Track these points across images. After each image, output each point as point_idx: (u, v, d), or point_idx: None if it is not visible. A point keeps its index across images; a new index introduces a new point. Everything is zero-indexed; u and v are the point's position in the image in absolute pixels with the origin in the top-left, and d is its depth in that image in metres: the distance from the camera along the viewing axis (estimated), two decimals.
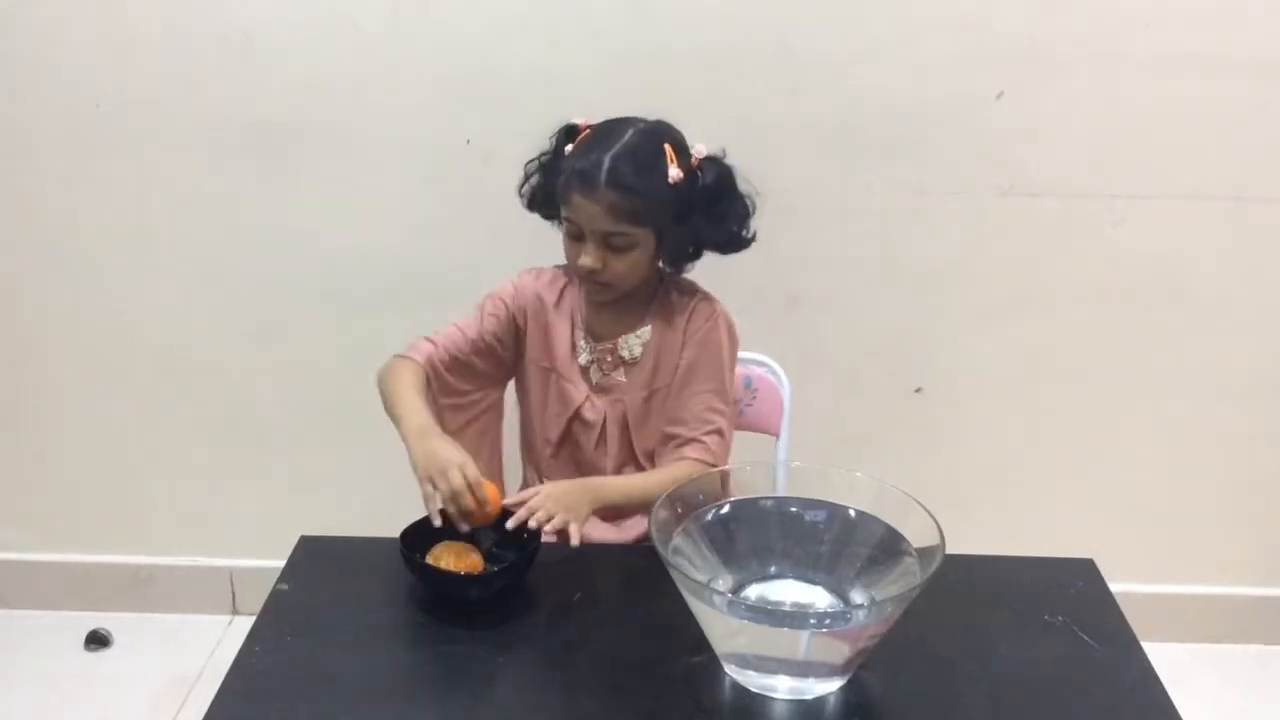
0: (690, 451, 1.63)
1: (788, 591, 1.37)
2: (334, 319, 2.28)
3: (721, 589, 1.33)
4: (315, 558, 1.56)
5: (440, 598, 1.45)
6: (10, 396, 2.38)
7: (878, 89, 2.07)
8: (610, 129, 1.59)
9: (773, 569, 1.39)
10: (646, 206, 1.54)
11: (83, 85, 2.11)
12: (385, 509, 2.34)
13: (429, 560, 1.45)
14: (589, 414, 1.68)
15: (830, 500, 1.42)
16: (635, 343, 1.67)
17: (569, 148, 1.61)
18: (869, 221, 2.16)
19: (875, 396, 2.32)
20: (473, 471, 1.44)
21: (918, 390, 2.31)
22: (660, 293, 1.69)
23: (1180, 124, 2.09)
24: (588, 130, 1.61)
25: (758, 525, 1.42)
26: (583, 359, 1.68)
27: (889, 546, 1.35)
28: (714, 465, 1.60)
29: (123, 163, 2.17)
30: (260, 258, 2.24)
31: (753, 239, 1.65)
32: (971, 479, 2.37)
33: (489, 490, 1.46)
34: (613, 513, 1.70)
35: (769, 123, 2.07)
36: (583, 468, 1.71)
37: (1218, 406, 2.30)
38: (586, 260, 1.57)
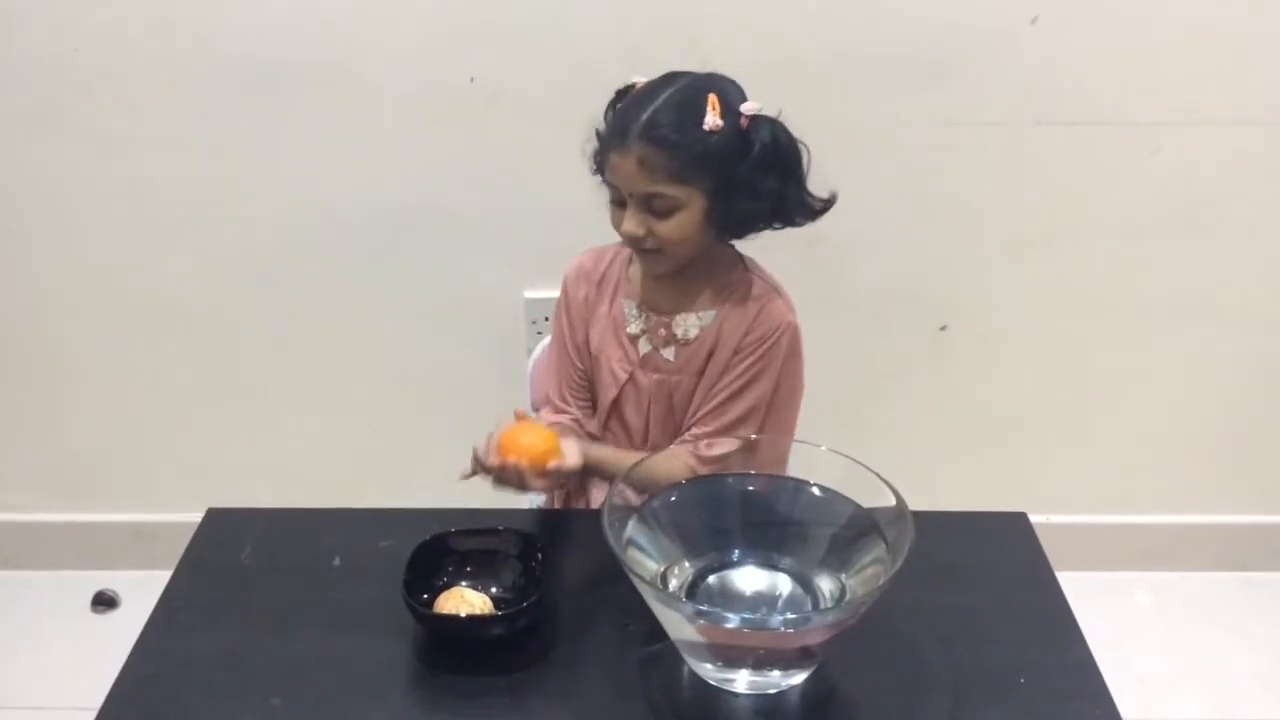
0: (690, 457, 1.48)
1: (750, 580, 1.29)
2: (332, 268, 2.20)
3: (679, 578, 1.26)
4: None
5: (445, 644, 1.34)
6: (5, 357, 2.31)
7: (905, 14, 1.96)
8: (658, 84, 1.45)
9: (735, 554, 1.31)
10: (683, 163, 1.40)
11: (57, 27, 2.00)
12: (386, 456, 2.33)
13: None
14: (628, 390, 1.60)
15: (795, 476, 1.34)
16: (694, 324, 1.55)
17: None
18: (896, 154, 2.07)
19: (899, 335, 2.26)
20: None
21: (942, 328, 2.24)
22: (735, 281, 1.56)
23: (1218, 47, 2.00)
24: (640, 87, 1.48)
25: (719, 507, 1.34)
26: (633, 328, 1.58)
27: (857, 527, 1.27)
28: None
29: (105, 108, 2.06)
30: (254, 205, 2.15)
31: (823, 209, 1.51)
32: (999, 417, 2.32)
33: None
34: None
35: (792, 51, 1.97)
36: (633, 439, 1.63)
37: (1258, 338, 2.24)
38: (629, 226, 1.45)
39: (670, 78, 1.46)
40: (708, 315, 1.55)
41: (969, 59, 1.99)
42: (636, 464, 1.33)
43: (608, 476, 1.52)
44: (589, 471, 1.53)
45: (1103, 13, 1.96)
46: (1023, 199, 2.13)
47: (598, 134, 1.51)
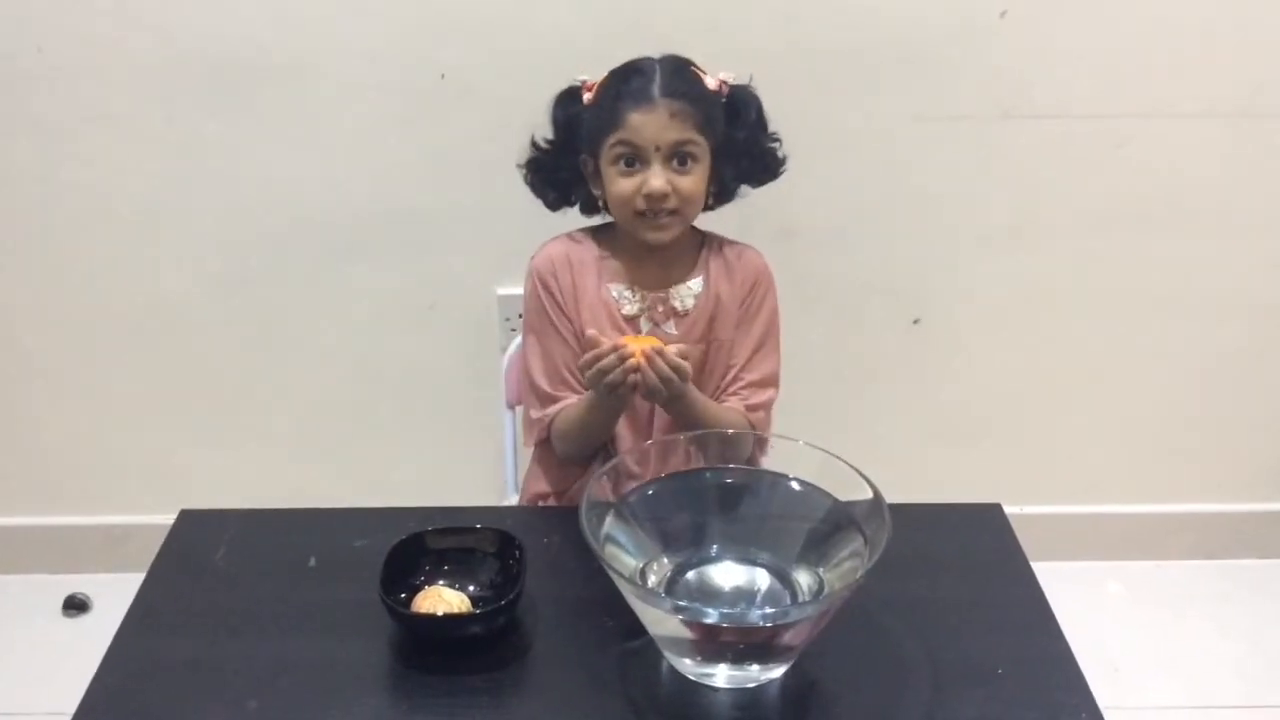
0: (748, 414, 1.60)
1: (728, 575, 1.30)
2: (303, 267, 2.18)
3: (657, 574, 1.26)
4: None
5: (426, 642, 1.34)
6: None
7: (874, 8, 1.97)
8: (631, 64, 1.54)
9: (714, 549, 1.31)
10: (704, 114, 1.51)
11: (20, 26, 1.97)
12: (361, 455, 2.32)
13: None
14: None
15: (772, 471, 1.35)
16: (687, 294, 1.60)
17: (587, 96, 1.55)
18: (866, 149, 2.08)
19: (873, 329, 2.26)
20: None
21: (915, 321, 2.25)
22: (706, 245, 1.64)
23: (1186, 40, 2.01)
24: (604, 76, 1.55)
25: (696, 502, 1.35)
26: (629, 309, 1.60)
27: (834, 521, 1.28)
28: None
29: (70, 109, 2.04)
30: (223, 205, 2.13)
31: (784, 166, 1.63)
32: (972, 409, 2.33)
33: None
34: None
35: (762, 47, 1.96)
36: (638, 421, 1.63)
37: (1229, 328, 2.26)
38: (657, 182, 1.48)
39: (638, 59, 1.54)
40: (697, 282, 1.61)
41: (938, 52, 2.00)
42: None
43: (682, 410, 1.52)
44: (674, 398, 1.49)
45: (1071, 6, 1.97)
46: (993, 192, 2.13)
47: (548, 140, 1.59)
